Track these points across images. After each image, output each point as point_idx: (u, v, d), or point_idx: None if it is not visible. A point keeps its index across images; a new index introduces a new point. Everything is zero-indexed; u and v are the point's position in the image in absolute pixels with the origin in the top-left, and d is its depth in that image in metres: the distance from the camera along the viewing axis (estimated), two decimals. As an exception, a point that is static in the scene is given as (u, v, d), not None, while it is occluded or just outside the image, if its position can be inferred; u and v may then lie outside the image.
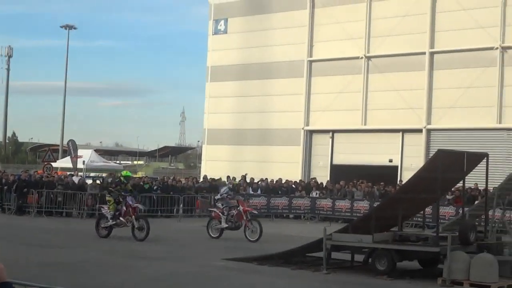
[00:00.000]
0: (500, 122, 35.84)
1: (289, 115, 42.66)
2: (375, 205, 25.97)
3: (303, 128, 42.34)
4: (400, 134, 39.00)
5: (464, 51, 37.01)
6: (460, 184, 20.05)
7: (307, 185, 37.36)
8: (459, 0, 37.12)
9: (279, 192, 36.00)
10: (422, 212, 20.19)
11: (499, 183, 19.97)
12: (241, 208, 23.79)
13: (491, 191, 19.63)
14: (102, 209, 23.84)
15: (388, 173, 38.03)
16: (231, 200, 24.41)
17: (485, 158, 18.07)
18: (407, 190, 18.14)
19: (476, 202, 26.17)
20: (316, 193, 34.85)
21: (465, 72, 36.85)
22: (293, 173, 40.42)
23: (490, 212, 19.01)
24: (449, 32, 37.58)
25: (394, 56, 39.44)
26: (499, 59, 35.95)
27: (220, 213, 24.07)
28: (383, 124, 39.31)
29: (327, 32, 41.91)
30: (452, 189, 27.38)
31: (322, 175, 40.28)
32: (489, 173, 18.15)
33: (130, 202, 22.82)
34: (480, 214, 19.37)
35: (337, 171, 40.73)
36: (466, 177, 18.57)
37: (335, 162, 41.61)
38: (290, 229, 27.75)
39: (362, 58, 40.48)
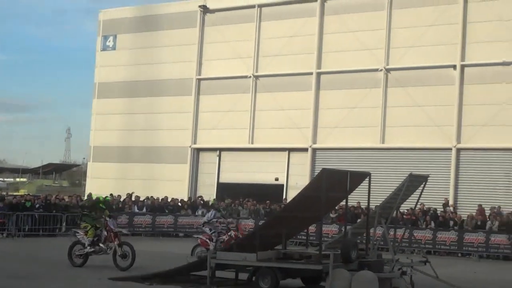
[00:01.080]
0: (383, 142, 36.71)
1: (177, 133, 42.42)
2: (260, 224, 26.07)
3: (190, 146, 42.16)
4: (287, 153, 39.37)
5: (349, 72, 37.84)
6: (343, 203, 20.31)
7: (193, 203, 37.19)
8: (346, 23, 37.96)
9: (166, 210, 35.67)
10: (306, 230, 20.36)
11: (381, 202, 20.36)
12: (233, 234, 22.50)
13: (373, 209, 19.97)
14: (77, 234, 21.28)
15: (274, 191, 38.31)
16: (221, 223, 22.97)
17: (368, 177, 18.39)
18: (292, 209, 18.24)
19: (359, 220, 26.64)
20: (202, 211, 34.70)
21: (351, 92, 37.64)
22: (180, 191, 40.16)
23: (372, 230, 19.35)
24: (335, 53, 38.34)
25: (281, 76, 39.87)
26: (383, 80, 36.90)
27: (207, 240, 22.42)
28: (270, 143, 39.60)
29: (217, 50, 41.99)
30: (336, 207, 27.79)
31: (209, 193, 40.21)
32: (371, 191, 18.47)
33: (112, 226, 20.66)
34: (362, 232, 19.68)
35: (224, 189, 40.74)
36: (350, 196, 18.84)
37: (221, 180, 41.59)
38: (177, 248, 27.47)
39: (250, 77, 40.73)
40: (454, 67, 35.12)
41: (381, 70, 36.96)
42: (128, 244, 20.47)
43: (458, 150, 34.95)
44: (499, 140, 33.83)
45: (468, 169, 34.79)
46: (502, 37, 34.19)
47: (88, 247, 20.69)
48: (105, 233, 20.76)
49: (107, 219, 21.03)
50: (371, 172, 18.97)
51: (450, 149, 34.90)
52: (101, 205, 21.61)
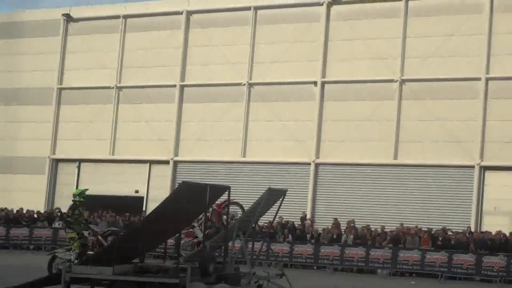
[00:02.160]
0: (244, 156, 37.12)
1: (36, 143, 41.25)
2: (118, 236, 25.68)
3: (49, 157, 41.13)
4: (148, 165, 39.09)
5: (213, 85, 38.09)
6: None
7: (50, 215, 36.29)
8: (211, 37, 38.25)
9: (22, 222, 34.65)
10: (165, 243, 20.25)
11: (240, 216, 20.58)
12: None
13: (232, 222, 20.13)
14: (57, 254, 19.88)
15: (134, 204, 37.93)
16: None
17: (227, 190, 18.52)
18: (151, 221, 18.09)
19: (218, 233, 26.75)
20: (59, 223, 33.87)
21: (215, 106, 37.91)
22: (36, 203, 39.05)
23: (230, 243, 19.47)
24: (199, 66, 38.54)
25: (145, 88, 39.62)
26: (246, 94, 37.28)
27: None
28: (131, 155, 39.21)
29: (80, 60, 41.24)
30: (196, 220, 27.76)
31: (67, 205, 39.23)
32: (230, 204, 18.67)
33: (97, 230, 19.46)
34: (221, 246, 19.78)
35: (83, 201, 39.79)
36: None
37: (81, 192, 40.65)
38: (32, 261, 26.66)
39: (113, 88, 40.24)
40: (315, 83, 35.98)
41: (244, 84, 37.37)
42: None
43: (317, 165, 35.76)
44: (355, 155, 34.86)
45: (326, 183, 35.64)
46: (361, 55, 35.39)
47: (76, 261, 19.00)
48: (93, 238, 19.70)
49: (88, 224, 20.12)
50: (231, 185, 19.10)
51: (309, 163, 35.64)
52: (78, 198, 20.60)
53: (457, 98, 33.69)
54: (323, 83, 36.04)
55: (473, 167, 33.02)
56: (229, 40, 38.02)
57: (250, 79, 37.41)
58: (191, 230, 22.02)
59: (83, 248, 19.80)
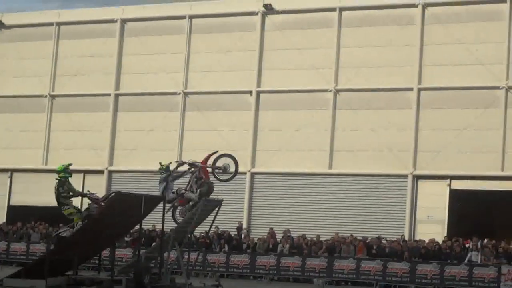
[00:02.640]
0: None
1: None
2: (51, 248, 25.25)
3: (-21, 167, 40.19)
4: (82, 175, 38.47)
5: (148, 94, 37.83)
6: (138, 226, 20.14)
7: (-20, 226, 35.53)
8: (147, 46, 37.98)
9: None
10: (99, 254, 19.98)
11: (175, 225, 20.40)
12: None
13: (167, 233, 19.98)
14: (62, 233, 19.25)
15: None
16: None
17: (162, 201, 18.40)
18: (85, 233, 17.85)
19: (153, 244, 26.52)
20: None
21: (148, 115, 37.60)
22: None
23: (166, 254, 19.32)
24: (134, 75, 38.19)
25: (79, 96, 39.06)
26: (181, 103, 36.99)
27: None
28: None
29: (12, 67, 40.46)
30: (131, 231, 27.51)
31: (1, 217, 38.57)
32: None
33: (96, 197, 19.05)
34: (156, 256, 19.63)
35: (15, 212, 39.11)
36: (145, 219, 18.73)
37: (12, 202, 39.93)
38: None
39: (46, 96, 39.57)
40: (250, 92, 36.03)
41: (179, 93, 37.22)
42: None
43: (252, 174, 35.77)
44: (290, 164, 34.97)
45: (262, 192, 35.66)
46: (296, 64, 35.48)
47: None
48: (96, 206, 19.16)
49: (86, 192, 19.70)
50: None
51: (245, 173, 35.60)
52: (62, 175, 19.81)
53: (390, 108, 34.02)
54: (258, 93, 36.07)
55: (406, 176, 33.42)
56: (164, 49, 37.78)
57: (186, 88, 37.26)
58: (181, 196, 21.05)
59: (85, 219, 19.08)
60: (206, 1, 38.12)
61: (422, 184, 33.50)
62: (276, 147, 35.41)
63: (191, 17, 37.67)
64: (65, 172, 19.96)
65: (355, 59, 34.61)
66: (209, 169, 21.38)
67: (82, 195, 20.20)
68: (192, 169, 21.41)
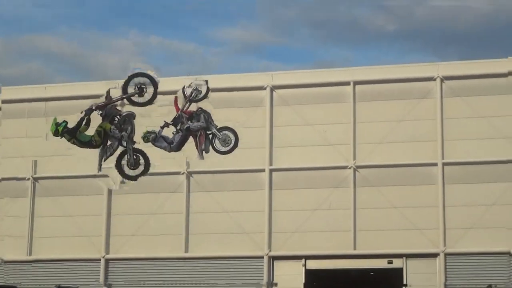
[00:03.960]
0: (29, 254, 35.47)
1: None
2: None
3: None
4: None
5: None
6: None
7: None
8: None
9: None
10: None
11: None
12: None
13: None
14: None
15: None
16: None
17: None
18: None
19: None
20: None
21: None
22: None
23: None
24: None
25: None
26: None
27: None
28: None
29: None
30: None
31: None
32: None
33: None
34: None
35: None
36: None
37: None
38: None
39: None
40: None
41: (28, 179, 35.89)
42: None
43: (107, 261, 34.68)
44: (148, 249, 34.25)
45: (118, 279, 34.58)
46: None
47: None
48: None
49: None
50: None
51: (99, 259, 34.54)
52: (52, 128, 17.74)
53: (244, 190, 33.90)
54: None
55: (262, 257, 33.28)
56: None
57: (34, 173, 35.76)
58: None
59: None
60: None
61: (278, 264, 33.44)
62: (131, 233, 34.54)
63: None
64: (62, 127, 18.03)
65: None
66: None
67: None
68: None
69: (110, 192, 34.92)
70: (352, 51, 78.71)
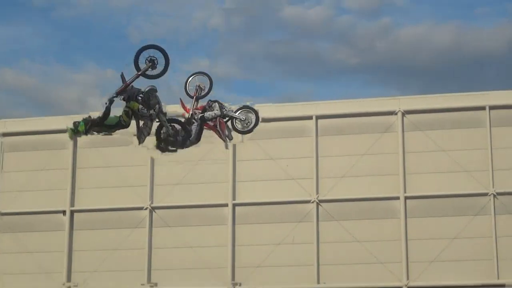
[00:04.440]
0: None
1: None
2: None
3: None
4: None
5: None
6: None
7: None
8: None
9: None
10: None
11: None
12: None
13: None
14: None
15: None
16: None
17: None
18: None
19: None
20: None
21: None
22: None
23: None
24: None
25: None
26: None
27: None
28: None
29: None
30: None
31: None
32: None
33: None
34: None
35: None
36: None
37: None
38: None
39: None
40: (64, 212, 34.77)
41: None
42: None
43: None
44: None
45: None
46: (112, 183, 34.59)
47: None
48: None
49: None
50: None
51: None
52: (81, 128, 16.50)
53: (207, 224, 33.74)
54: (72, 212, 34.83)
55: (227, 291, 33.19)
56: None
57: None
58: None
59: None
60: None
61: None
62: (94, 268, 34.15)
63: (5, 134, 35.86)
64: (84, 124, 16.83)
65: (167, 178, 34.12)
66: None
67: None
68: None
69: (71, 227, 34.52)
70: (314, 85, 79.16)
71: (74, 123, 16.62)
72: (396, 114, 33.40)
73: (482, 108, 32.83)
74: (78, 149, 35.29)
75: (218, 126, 18.70)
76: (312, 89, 77.59)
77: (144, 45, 17.28)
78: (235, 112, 18.59)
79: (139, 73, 16.86)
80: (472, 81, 70.42)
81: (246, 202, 33.69)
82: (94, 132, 16.85)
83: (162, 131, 17.64)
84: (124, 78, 16.90)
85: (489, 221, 32.06)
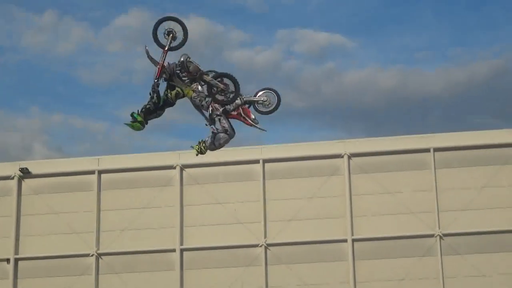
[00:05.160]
0: None
1: None
2: None
3: None
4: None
5: None
6: None
7: None
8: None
9: None
10: None
11: None
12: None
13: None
14: None
15: None
16: None
17: None
18: None
19: None
20: None
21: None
22: None
23: None
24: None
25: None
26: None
27: None
28: None
29: None
30: None
31: None
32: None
33: None
34: None
35: None
36: None
37: None
38: None
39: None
40: (8, 261, 34.05)
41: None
42: None
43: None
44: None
45: None
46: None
47: None
48: None
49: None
50: None
51: None
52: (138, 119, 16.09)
53: (154, 270, 33.33)
54: (16, 260, 34.02)
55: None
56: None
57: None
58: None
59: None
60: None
61: None
62: None
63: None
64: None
65: (117, 222, 33.76)
66: None
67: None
68: None
69: (15, 276, 33.85)
70: (261, 129, 79.34)
71: (132, 114, 16.30)
72: (342, 157, 33.69)
73: (427, 150, 33.30)
74: (22, 196, 34.69)
75: (242, 113, 18.02)
76: (259, 133, 77.69)
77: (155, 22, 16.89)
78: (254, 96, 17.77)
79: (166, 48, 16.44)
80: (417, 124, 71.40)
81: (194, 247, 33.41)
82: (149, 119, 16.52)
83: (212, 91, 16.98)
84: (152, 57, 16.47)
85: (436, 262, 32.37)
